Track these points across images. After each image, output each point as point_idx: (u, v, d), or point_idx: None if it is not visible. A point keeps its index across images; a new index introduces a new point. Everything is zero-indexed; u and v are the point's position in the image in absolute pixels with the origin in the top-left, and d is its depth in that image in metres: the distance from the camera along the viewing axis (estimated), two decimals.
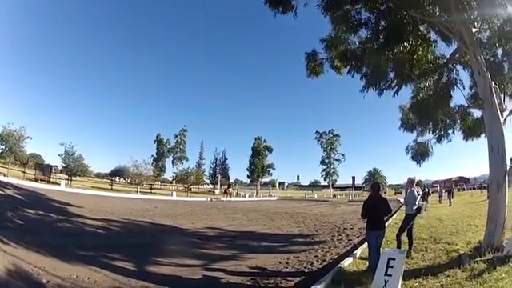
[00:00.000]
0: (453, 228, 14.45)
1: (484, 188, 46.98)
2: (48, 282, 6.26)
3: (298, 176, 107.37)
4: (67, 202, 20.01)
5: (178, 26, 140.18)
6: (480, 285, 6.34)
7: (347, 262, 8.64)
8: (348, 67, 13.17)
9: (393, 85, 12.52)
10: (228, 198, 47.32)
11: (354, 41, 13.07)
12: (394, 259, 5.57)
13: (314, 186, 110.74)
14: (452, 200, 32.39)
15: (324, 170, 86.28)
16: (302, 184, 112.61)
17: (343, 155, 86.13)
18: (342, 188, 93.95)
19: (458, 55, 11.77)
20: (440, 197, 36.92)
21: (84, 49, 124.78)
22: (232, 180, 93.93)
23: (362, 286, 6.50)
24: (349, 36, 12.84)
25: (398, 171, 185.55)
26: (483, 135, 13.65)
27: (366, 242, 8.75)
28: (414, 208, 9.85)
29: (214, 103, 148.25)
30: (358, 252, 9.94)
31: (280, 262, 9.27)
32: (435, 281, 6.81)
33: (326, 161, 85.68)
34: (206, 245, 11.88)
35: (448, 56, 12.14)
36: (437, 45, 12.42)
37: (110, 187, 46.50)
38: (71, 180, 42.25)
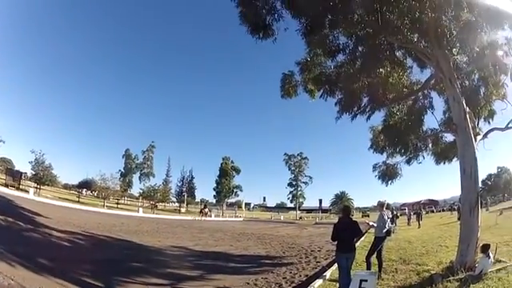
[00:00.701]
0: (423, 249, 14.49)
1: (454, 210, 47.84)
2: None
3: (264, 197, 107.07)
4: (35, 211, 19.72)
5: (148, 39, 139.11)
6: None
7: (317, 284, 8.59)
8: (321, 91, 13.26)
9: (367, 110, 12.64)
10: (203, 218, 46.89)
11: (329, 65, 13.20)
12: (366, 281, 5.53)
13: (281, 207, 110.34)
14: (421, 222, 32.53)
15: (291, 192, 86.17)
16: (268, 206, 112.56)
17: (311, 178, 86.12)
18: (309, 210, 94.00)
19: (433, 81, 12.05)
20: (409, 219, 37.21)
21: (53, 59, 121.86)
22: (198, 199, 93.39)
23: None
24: (324, 60, 12.99)
25: (365, 194, 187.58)
26: (455, 159, 13.90)
27: (336, 265, 8.66)
28: (384, 231, 9.83)
29: (183, 121, 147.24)
30: (328, 274, 9.86)
31: (248, 283, 9.12)
32: None
33: (294, 183, 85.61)
34: (171, 264, 11.69)
35: (423, 81, 12.44)
36: (412, 71, 12.81)
37: (77, 199, 46.04)
38: (40, 189, 41.61)
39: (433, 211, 74.96)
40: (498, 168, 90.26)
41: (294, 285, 9.17)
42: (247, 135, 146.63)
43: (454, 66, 10.89)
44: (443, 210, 72.10)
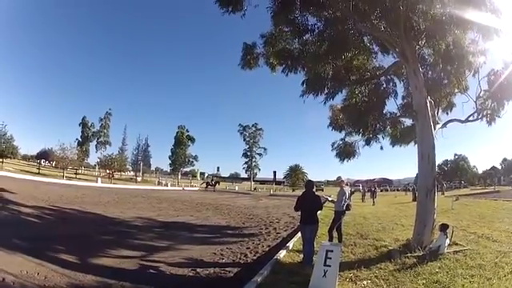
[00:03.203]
0: (379, 226, 15.17)
1: (408, 190, 49.56)
2: (3, 279, 5.95)
3: (218, 167, 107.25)
4: (1, 186, 19.72)
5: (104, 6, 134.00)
6: (414, 277, 6.88)
7: (282, 254, 9.02)
8: (283, 66, 13.36)
9: (331, 90, 12.74)
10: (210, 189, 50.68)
11: (293, 41, 13.24)
12: (331, 251, 5.97)
13: (235, 178, 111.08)
14: (375, 200, 33.59)
15: (246, 162, 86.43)
16: (223, 175, 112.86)
17: (265, 149, 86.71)
18: (263, 181, 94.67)
19: (396, 67, 12.47)
20: (363, 196, 38.47)
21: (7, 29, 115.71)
22: (153, 168, 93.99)
23: (301, 275, 6.82)
24: (290, 36, 13.02)
25: (319, 168, 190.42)
26: (412, 143, 14.51)
27: (300, 236, 9.09)
28: (344, 205, 10.36)
29: (140, 88, 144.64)
30: (290, 245, 10.34)
31: (215, 254, 9.42)
32: (369, 272, 7.31)
33: (248, 154, 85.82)
34: (139, 235, 11.88)
35: (386, 67, 12.82)
36: (377, 56, 13.08)
37: (37, 171, 45.31)
38: (2, 162, 40.79)
39: (387, 190, 77.75)
40: (456, 155, 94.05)
41: (258, 255, 9.52)
42: (203, 105, 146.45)
43: (419, 57, 11.37)
44: (397, 190, 74.62)
